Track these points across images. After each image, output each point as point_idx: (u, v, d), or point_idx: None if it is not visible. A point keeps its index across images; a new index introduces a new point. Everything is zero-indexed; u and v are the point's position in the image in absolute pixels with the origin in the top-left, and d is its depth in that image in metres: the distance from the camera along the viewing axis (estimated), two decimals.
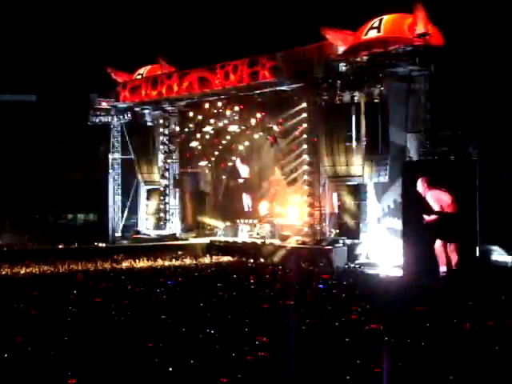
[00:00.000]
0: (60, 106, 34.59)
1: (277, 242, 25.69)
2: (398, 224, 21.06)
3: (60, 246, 27.10)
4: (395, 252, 20.95)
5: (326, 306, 13.03)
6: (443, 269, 18.03)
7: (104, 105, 31.70)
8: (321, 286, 15.98)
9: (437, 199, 18.25)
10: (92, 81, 33.15)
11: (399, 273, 19.48)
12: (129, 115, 31.07)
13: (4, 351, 9.81)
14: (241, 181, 30.72)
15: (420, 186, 18.56)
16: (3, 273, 19.60)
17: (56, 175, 33.98)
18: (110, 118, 31.76)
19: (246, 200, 30.98)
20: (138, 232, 31.03)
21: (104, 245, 28.22)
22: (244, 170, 30.67)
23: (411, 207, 19.58)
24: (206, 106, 28.44)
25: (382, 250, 21.92)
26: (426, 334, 10.73)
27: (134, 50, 33.37)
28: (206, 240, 27.97)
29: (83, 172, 34.15)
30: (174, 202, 30.82)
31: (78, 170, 34.27)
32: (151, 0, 35.34)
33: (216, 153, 31.30)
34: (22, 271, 19.86)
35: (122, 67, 31.87)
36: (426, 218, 18.32)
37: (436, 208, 18.25)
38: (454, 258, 18.01)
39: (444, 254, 18.09)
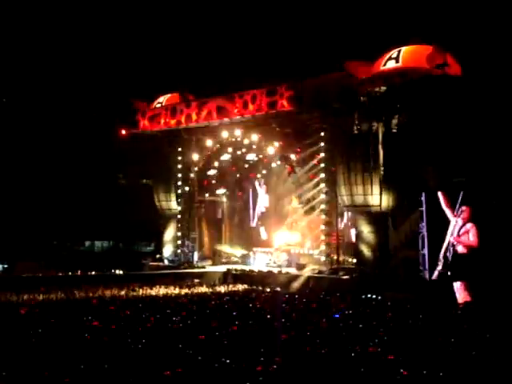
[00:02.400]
0: (79, 132, 34.92)
1: (293, 271, 25.63)
2: (415, 254, 20.94)
3: (77, 273, 27.16)
4: (413, 282, 20.81)
5: (342, 337, 12.92)
6: (461, 300, 17.83)
7: (123, 133, 31.97)
8: (337, 315, 15.85)
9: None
10: (112, 108, 33.51)
11: (417, 302, 19.29)
12: (148, 143, 31.26)
13: (20, 376, 9.81)
14: (262, 210, 30.77)
15: (465, 213, 18.22)
16: (19, 299, 19.62)
17: (74, 202, 34.19)
18: (128, 145, 31.98)
19: (263, 229, 31.02)
20: (156, 259, 31.07)
21: (121, 272, 28.26)
22: (264, 199, 30.75)
23: (430, 237, 19.48)
24: (224, 134, 28.59)
25: (400, 280, 21.77)
26: (445, 365, 10.62)
27: (154, 78, 33.72)
28: (223, 268, 27.96)
29: (101, 200, 34.36)
30: (190, 229, 30.86)
31: (96, 198, 34.48)
32: (172, 30, 35.72)
33: (233, 181, 31.43)
34: (40, 298, 19.89)
35: (142, 96, 32.17)
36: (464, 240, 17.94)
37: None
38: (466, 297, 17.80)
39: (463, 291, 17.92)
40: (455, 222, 18.14)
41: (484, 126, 20.55)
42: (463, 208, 18.17)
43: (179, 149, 30.55)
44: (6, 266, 30.42)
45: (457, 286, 17.90)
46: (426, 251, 20.18)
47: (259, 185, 31.27)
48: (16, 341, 12.57)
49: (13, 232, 31.98)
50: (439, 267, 18.50)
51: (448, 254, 18.17)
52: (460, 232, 17.98)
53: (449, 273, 18.16)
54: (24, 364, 10.71)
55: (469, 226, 17.92)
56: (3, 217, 32.35)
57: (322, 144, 24.89)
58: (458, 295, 17.89)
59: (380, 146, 22.35)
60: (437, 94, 20.97)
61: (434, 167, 21.53)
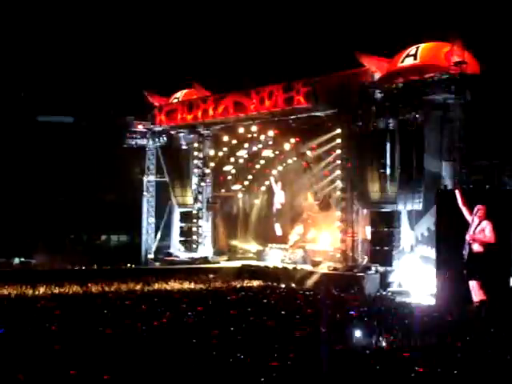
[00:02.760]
0: (96, 127, 35.05)
1: (308, 267, 25.61)
2: (431, 252, 20.87)
3: (93, 267, 27.29)
4: (428, 280, 20.77)
5: (356, 334, 12.91)
6: (477, 298, 17.71)
7: (140, 128, 32.07)
8: (352, 312, 15.85)
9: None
10: (128, 104, 33.62)
11: (432, 301, 19.26)
12: (164, 138, 31.37)
13: (35, 369, 9.90)
14: (278, 207, 30.77)
15: (481, 211, 18.08)
16: (35, 293, 19.76)
17: (91, 196, 34.35)
18: (145, 140, 32.14)
19: (278, 225, 31.01)
20: (171, 254, 31.15)
21: (137, 266, 28.38)
22: (280, 196, 30.75)
23: (446, 235, 19.37)
24: (241, 130, 28.58)
25: (415, 278, 21.73)
26: (459, 364, 10.60)
27: (171, 74, 33.78)
28: (238, 264, 28.00)
29: (118, 194, 34.51)
30: (206, 225, 30.93)
31: (112, 192, 34.63)
32: (188, 25, 35.76)
33: (249, 177, 31.44)
34: (56, 291, 20.02)
35: (159, 91, 32.25)
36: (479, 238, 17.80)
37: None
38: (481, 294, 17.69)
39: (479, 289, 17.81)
40: (471, 221, 18.02)
41: (502, 124, 20.43)
42: (479, 206, 18.04)
43: (195, 144, 30.59)
44: (22, 259, 30.62)
45: (472, 284, 17.80)
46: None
47: (274, 181, 31.25)
48: (32, 334, 12.67)
49: (30, 226, 32.18)
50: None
51: (464, 252, 18.06)
52: (476, 230, 17.86)
53: (464, 271, 18.05)
54: (41, 356, 10.79)
55: (484, 223, 17.79)
56: (20, 211, 32.55)
57: (338, 141, 24.80)
58: (473, 294, 17.79)
59: (396, 144, 22.24)
60: (454, 91, 20.86)
61: (451, 165, 21.41)
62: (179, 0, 36.06)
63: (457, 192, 18.69)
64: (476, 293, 17.72)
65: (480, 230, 17.72)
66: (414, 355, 11.09)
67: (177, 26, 36.01)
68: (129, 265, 28.36)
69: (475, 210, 17.98)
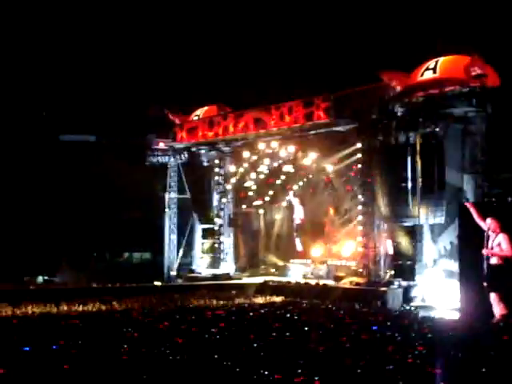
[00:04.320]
0: (118, 146, 35.28)
1: (331, 282, 25.56)
2: (454, 266, 20.76)
3: (116, 285, 27.39)
4: (452, 295, 20.64)
5: (380, 349, 12.86)
6: (498, 311, 17.55)
7: (162, 145, 32.25)
8: (375, 327, 15.78)
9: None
10: (150, 121, 33.85)
11: (455, 316, 19.13)
12: (185, 155, 31.51)
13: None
14: (297, 222, 30.79)
15: (493, 225, 17.94)
16: (59, 311, 19.88)
17: (113, 214, 34.52)
18: (167, 158, 32.30)
19: (299, 240, 31.02)
20: (193, 271, 31.22)
21: (159, 283, 28.43)
22: (300, 211, 30.76)
23: (468, 249, 19.25)
24: (261, 146, 28.67)
25: (438, 293, 21.61)
26: (483, 379, 10.53)
27: (191, 91, 33.99)
28: (260, 280, 27.99)
29: (140, 211, 34.66)
30: (228, 241, 30.98)
31: (135, 209, 34.78)
32: (209, 43, 36.00)
33: (270, 193, 31.49)
34: (79, 309, 20.13)
35: (179, 108, 32.43)
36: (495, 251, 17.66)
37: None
38: (502, 308, 17.51)
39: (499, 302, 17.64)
40: (486, 235, 17.88)
41: None
42: (490, 220, 17.91)
43: (216, 161, 30.71)
44: (46, 277, 30.83)
45: (492, 297, 17.66)
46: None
47: (294, 196, 31.28)
48: (56, 351, 12.75)
49: (53, 243, 32.39)
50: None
51: (484, 265, 17.92)
52: (493, 244, 17.71)
53: (484, 284, 17.92)
54: (64, 375, 10.86)
55: (501, 236, 17.65)
56: (44, 229, 32.78)
57: (359, 155, 24.80)
58: (494, 307, 17.63)
59: (418, 157, 22.21)
60: (475, 104, 20.81)
61: (473, 178, 21.34)
62: (200, 19, 36.36)
63: (469, 206, 18.56)
64: (496, 306, 17.56)
65: (497, 244, 17.59)
66: (439, 370, 11.02)
67: (197, 45, 36.28)
68: (152, 282, 28.41)
69: (487, 224, 17.87)
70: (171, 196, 32.58)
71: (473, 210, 18.30)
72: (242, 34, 35.36)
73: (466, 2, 28.00)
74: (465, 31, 25.56)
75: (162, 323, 16.68)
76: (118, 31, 36.57)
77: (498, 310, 17.51)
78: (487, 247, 17.76)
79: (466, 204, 18.86)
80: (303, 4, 34.14)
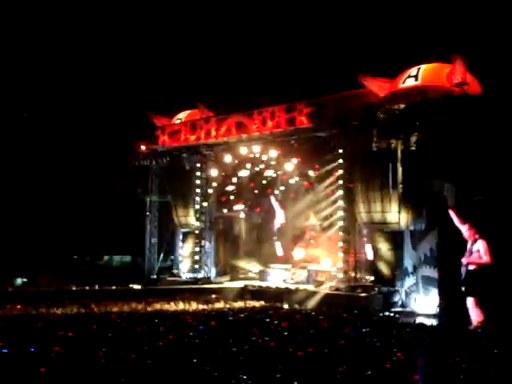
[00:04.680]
0: (99, 148, 35.18)
1: (311, 287, 25.59)
2: (434, 272, 20.88)
3: (95, 287, 27.27)
4: (431, 301, 20.76)
5: (359, 354, 12.89)
6: (474, 316, 17.65)
7: (143, 148, 32.13)
8: (353, 333, 15.82)
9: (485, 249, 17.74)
10: (131, 124, 33.76)
11: (435, 322, 19.23)
12: (167, 159, 31.43)
13: None
14: (278, 226, 30.81)
15: (469, 232, 18.06)
16: (38, 313, 19.76)
17: (94, 216, 34.40)
18: (148, 161, 32.18)
19: (279, 244, 31.05)
20: (173, 274, 31.13)
21: (139, 287, 28.33)
22: (281, 215, 30.79)
23: (448, 256, 19.38)
24: (243, 150, 28.68)
25: (418, 299, 21.72)
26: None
27: (174, 94, 33.96)
28: (240, 284, 27.97)
29: (121, 214, 34.55)
30: (208, 245, 30.93)
31: (115, 212, 34.67)
32: (192, 46, 36.02)
33: (251, 197, 31.51)
34: (58, 312, 20.01)
35: (161, 112, 32.38)
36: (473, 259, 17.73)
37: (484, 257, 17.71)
38: (479, 314, 17.60)
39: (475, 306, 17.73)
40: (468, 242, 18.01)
41: (504, 144, 20.49)
42: (464, 229, 18.06)
43: (198, 164, 30.67)
44: (25, 279, 30.62)
45: (469, 302, 17.76)
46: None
47: (275, 200, 31.32)
48: (34, 354, 12.67)
49: (33, 246, 32.20)
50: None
51: (462, 270, 18.03)
52: (473, 250, 17.82)
53: (463, 288, 18.03)
54: (42, 377, 10.79)
55: (479, 243, 17.77)
56: (23, 231, 32.59)
57: (341, 161, 24.86)
58: (470, 312, 17.74)
59: (398, 164, 22.33)
60: (456, 112, 20.94)
61: (453, 185, 21.46)
62: (182, 21, 36.34)
63: (451, 212, 18.71)
64: (473, 311, 17.67)
65: (476, 250, 17.70)
66: (417, 376, 11.06)
67: (180, 48, 36.26)
68: (131, 285, 28.31)
69: (464, 232, 18.01)
70: (152, 199, 32.48)
71: (454, 215, 18.44)
72: (225, 37, 35.43)
73: (449, 10, 28.21)
74: (448, 39, 25.75)
75: (141, 326, 16.62)
76: (101, 32, 36.49)
77: (474, 315, 17.62)
78: (466, 254, 17.87)
79: (449, 210, 18.97)
80: (287, 9, 34.25)
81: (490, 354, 13.11)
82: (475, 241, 17.80)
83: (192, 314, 19.83)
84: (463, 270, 17.93)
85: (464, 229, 18.17)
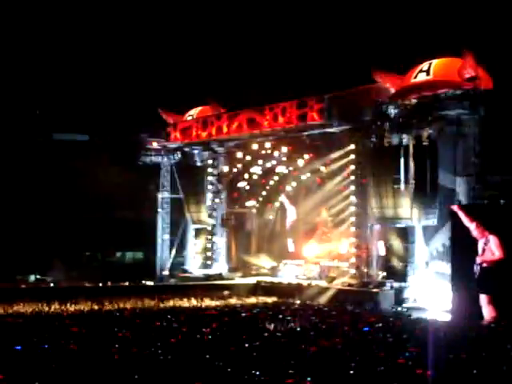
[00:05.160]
0: (111, 145, 35.25)
1: (323, 283, 25.58)
2: (446, 268, 20.81)
3: (107, 284, 27.37)
4: (443, 296, 20.70)
5: (371, 350, 12.88)
6: (487, 313, 17.56)
7: (155, 145, 32.20)
8: (366, 328, 15.80)
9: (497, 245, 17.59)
10: (143, 121, 33.83)
11: (447, 317, 19.18)
12: (179, 155, 31.50)
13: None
14: (290, 223, 30.79)
15: (478, 230, 17.92)
16: (51, 310, 19.85)
17: (106, 213, 34.49)
18: (160, 157, 32.28)
19: (291, 240, 31.02)
20: (186, 271, 31.21)
21: (151, 283, 28.41)
22: (292, 211, 30.76)
23: (461, 251, 19.31)
24: (255, 146, 28.67)
25: (430, 294, 21.67)
26: (475, 380, 10.55)
27: (185, 91, 33.99)
28: (252, 280, 27.99)
29: (133, 210, 34.64)
30: (220, 241, 30.97)
31: (127, 209, 34.76)
32: (202, 43, 36.02)
33: (263, 193, 31.51)
34: (71, 308, 20.09)
35: (173, 108, 32.42)
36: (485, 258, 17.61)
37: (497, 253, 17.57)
38: (492, 311, 17.50)
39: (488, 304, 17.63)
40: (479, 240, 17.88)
41: None
42: (472, 227, 17.93)
43: (210, 161, 30.70)
44: (38, 276, 30.79)
45: (482, 299, 17.68)
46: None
47: (286, 197, 31.32)
48: (47, 351, 12.73)
49: (45, 243, 32.34)
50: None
51: (475, 267, 17.92)
52: (484, 248, 17.68)
53: (475, 285, 17.94)
54: (57, 374, 10.84)
55: (490, 239, 17.65)
56: (36, 228, 32.73)
57: (352, 156, 24.84)
58: (483, 309, 17.66)
59: (410, 159, 22.27)
60: (468, 107, 20.87)
61: (466, 180, 21.40)
62: (194, 18, 36.36)
63: (456, 208, 18.55)
64: (486, 308, 17.58)
65: (488, 248, 17.57)
66: (430, 372, 11.04)
67: (191, 45, 36.28)
68: (144, 282, 28.40)
69: (472, 231, 17.88)
70: (164, 196, 32.57)
71: (461, 213, 18.31)
72: (235, 34, 35.40)
73: (460, 5, 28.09)
74: (459, 34, 25.66)
75: (154, 323, 16.67)
76: (111, 30, 36.55)
77: (487, 312, 17.55)
78: (478, 253, 17.77)
79: (453, 207, 18.86)
80: (298, 4, 34.19)
81: (503, 350, 13.08)
82: (487, 238, 17.68)
83: (204, 310, 19.86)
84: (476, 267, 17.82)
85: (472, 227, 18.05)
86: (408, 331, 15.54)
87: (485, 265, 17.69)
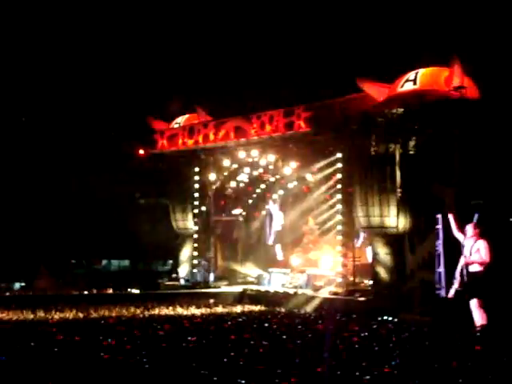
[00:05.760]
0: (97, 153, 35.15)
1: (309, 292, 25.59)
2: (432, 276, 20.84)
3: (93, 292, 27.26)
4: (430, 304, 20.70)
5: (357, 358, 12.88)
6: (477, 319, 17.57)
7: (141, 152, 32.11)
8: (353, 337, 15.81)
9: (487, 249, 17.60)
10: (128, 128, 33.78)
11: (435, 325, 19.17)
12: (165, 163, 31.41)
13: None
14: (278, 229, 30.81)
15: (471, 231, 17.95)
16: (36, 317, 19.74)
17: (92, 220, 34.37)
18: (146, 165, 32.14)
19: (279, 249, 31.03)
20: (172, 279, 31.12)
21: (137, 291, 28.31)
22: (279, 220, 30.80)
23: (447, 259, 19.37)
24: (242, 154, 28.68)
25: (417, 303, 21.67)
26: None
27: (172, 99, 33.96)
28: (239, 288, 27.96)
29: (119, 218, 34.52)
30: (207, 249, 30.89)
31: (113, 216, 34.64)
32: (188, 50, 36.04)
33: (250, 201, 31.51)
34: (56, 316, 19.99)
35: (160, 116, 32.38)
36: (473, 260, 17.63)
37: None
38: (482, 315, 17.51)
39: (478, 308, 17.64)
40: (467, 243, 17.92)
41: (502, 148, 20.52)
42: (468, 226, 17.98)
43: (196, 168, 30.66)
44: (23, 283, 30.59)
45: (473, 304, 17.70)
46: (442, 270, 20.11)
47: (273, 203, 31.34)
48: (32, 359, 12.65)
49: (31, 250, 32.17)
50: (455, 285, 18.24)
51: (464, 272, 17.95)
52: (472, 251, 17.72)
53: (465, 291, 17.96)
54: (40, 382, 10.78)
55: (480, 242, 17.70)
56: (21, 235, 32.56)
57: (339, 165, 24.89)
58: (473, 314, 17.68)
59: (397, 168, 22.35)
60: (454, 116, 20.96)
61: (451, 189, 21.47)
62: (180, 25, 36.35)
63: (451, 217, 18.63)
64: (476, 312, 17.60)
65: (476, 250, 17.62)
66: (416, 380, 11.05)
67: (178, 52, 36.27)
68: (130, 290, 28.29)
69: (466, 230, 17.95)
70: (150, 203, 32.48)
71: (453, 222, 18.39)
72: (223, 42, 35.44)
73: (446, 13, 28.25)
74: (446, 43, 25.78)
75: (139, 331, 16.61)
76: (99, 37, 36.49)
77: (477, 316, 17.56)
78: (465, 255, 17.80)
79: (449, 215, 18.87)
80: (286, 13, 34.28)
81: (492, 356, 13.12)
82: (476, 240, 17.71)
83: (190, 319, 19.82)
84: (464, 271, 17.85)
85: (461, 237, 18.08)
86: (394, 339, 15.57)
87: (474, 269, 17.71)
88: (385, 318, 21.12)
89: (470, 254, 17.64)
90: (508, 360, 12.82)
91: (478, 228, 17.87)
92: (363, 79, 23.26)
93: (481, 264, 17.57)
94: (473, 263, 17.61)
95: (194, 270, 30.36)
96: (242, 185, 30.81)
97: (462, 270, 17.92)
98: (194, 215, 30.66)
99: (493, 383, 11.13)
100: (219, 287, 29.32)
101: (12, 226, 32.71)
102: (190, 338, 15.37)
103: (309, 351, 13.64)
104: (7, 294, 27.60)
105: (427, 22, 29.00)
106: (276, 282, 28.55)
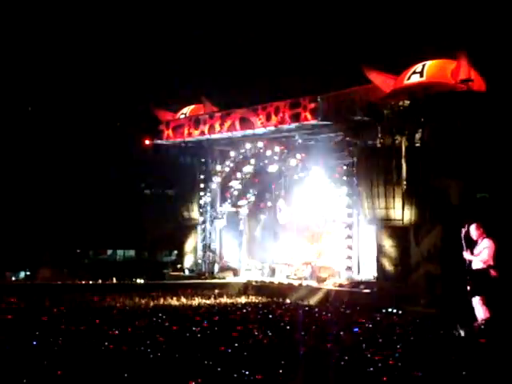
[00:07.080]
0: (103, 142, 35.17)
1: (314, 283, 25.58)
2: (437, 269, 20.82)
3: (98, 282, 27.31)
4: (435, 297, 20.68)
5: (362, 351, 12.88)
6: (480, 315, 17.50)
7: (147, 142, 32.10)
8: (356, 329, 15.80)
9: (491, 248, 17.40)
10: (135, 118, 33.77)
11: (439, 319, 19.14)
12: (171, 153, 31.41)
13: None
14: (283, 222, 30.76)
15: (476, 232, 17.78)
16: (40, 307, 19.78)
17: (97, 210, 34.42)
18: (152, 155, 32.15)
19: (284, 241, 30.98)
20: (177, 269, 31.15)
21: (142, 281, 28.36)
22: (284, 212, 30.74)
23: (452, 252, 19.29)
24: (247, 145, 28.62)
25: (422, 295, 21.65)
26: (464, 381, 10.57)
27: (178, 89, 33.93)
28: (243, 279, 27.97)
29: (124, 208, 34.58)
30: (212, 240, 30.90)
31: (119, 206, 34.70)
32: (196, 42, 35.98)
33: (255, 192, 31.46)
34: (61, 305, 20.02)
35: (166, 106, 32.34)
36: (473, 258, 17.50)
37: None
38: (485, 313, 17.43)
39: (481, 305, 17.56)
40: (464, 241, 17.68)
41: (508, 141, 20.45)
42: (472, 229, 17.74)
43: (202, 159, 30.65)
44: (28, 273, 30.68)
45: (475, 300, 17.64)
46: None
47: (279, 197, 31.28)
48: (37, 349, 12.68)
49: (36, 240, 32.24)
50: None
51: (466, 268, 17.82)
52: (477, 251, 17.56)
53: (468, 287, 17.88)
54: (45, 372, 10.80)
55: (485, 242, 17.53)
56: (27, 224, 32.62)
57: (345, 157, 24.83)
58: (476, 310, 17.62)
59: (403, 160, 22.27)
60: (461, 109, 20.88)
61: (457, 182, 21.41)
62: (188, 18, 36.30)
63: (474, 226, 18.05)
64: (479, 309, 17.53)
65: (482, 249, 17.45)
66: (419, 373, 11.04)
67: (185, 43, 36.22)
68: (135, 280, 28.35)
69: (470, 232, 17.74)
70: (156, 193, 32.50)
71: (463, 239, 17.78)
72: (229, 33, 35.37)
73: (454, 5, 28.13)
74: (453, 36, 25.68)
75: (144, 321, 16.64)
76: (105, 28, 36.45)
77: (480, 313, 17.50)
78: (469, 252, 17.67)
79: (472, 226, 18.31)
80: (292, 4, 34.19)
81: (495, 352, 13.09)
82: (482, 240, 17.56)
83: (195, 309, 19.84)
84: (468, 268, 17.74)
85: (469, 256, 17.62)
86: (398, 332, 15.55)
87: (477, 267, 17.61)
88: (389, 310, 21.12)
89: (473, 253, 17.46)
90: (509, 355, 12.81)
91: (481, 228, 17.67)
92: (370, 68, 23.15)
93: (484, 262, 17.46)
94: (476, 260, 17.46)
95: (199, 261, 30.39)
96: (247, 176, 30.76)
97: (465, 265, 17.81)
98: (200, 206, 30.67)
99: (495, 377, 11.12)
100: (224, 278, 29.35)
101: (18, 217, 32.77)
102: (194, 329, 15.38)
103: (313, 342, 13.64)
104: (12, 282, 27.69)
105: (435, 14, 28.89)
106: (281, 273, 28.54)
